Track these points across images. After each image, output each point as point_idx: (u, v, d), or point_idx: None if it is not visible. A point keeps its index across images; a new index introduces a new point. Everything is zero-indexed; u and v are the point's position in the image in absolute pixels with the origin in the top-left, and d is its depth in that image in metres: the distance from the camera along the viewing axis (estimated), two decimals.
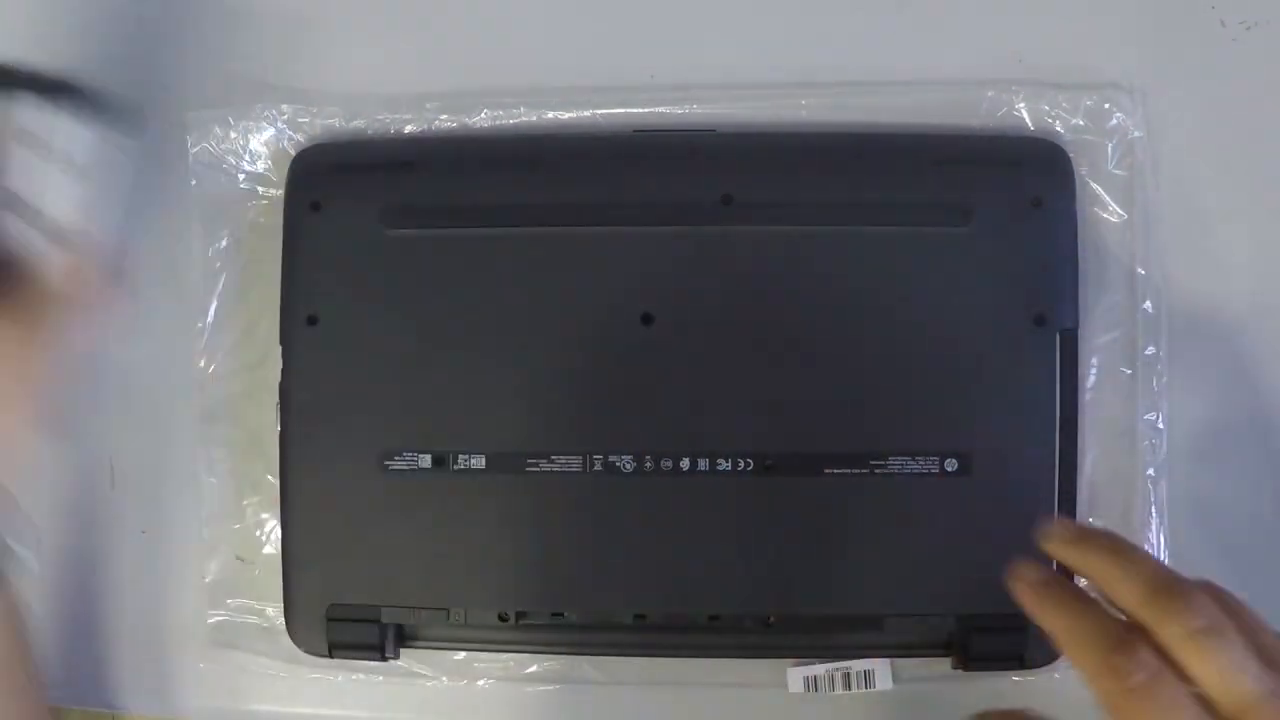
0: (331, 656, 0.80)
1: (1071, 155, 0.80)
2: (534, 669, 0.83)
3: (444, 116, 0.83)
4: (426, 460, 0.78)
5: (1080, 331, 0.79)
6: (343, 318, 0.78)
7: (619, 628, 0.79)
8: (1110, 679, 0.53)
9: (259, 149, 0.84)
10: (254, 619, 0.84)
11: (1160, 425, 0.81)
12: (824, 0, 0.84)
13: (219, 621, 0.84)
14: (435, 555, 0.78)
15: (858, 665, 0.81)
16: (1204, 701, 0.52)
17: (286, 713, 0.85)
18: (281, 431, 0.79)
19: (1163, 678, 0.53)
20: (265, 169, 0.83)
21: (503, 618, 0.78)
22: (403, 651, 0.82)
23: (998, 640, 0.77)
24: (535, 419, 0.78)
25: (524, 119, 0.83)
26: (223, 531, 0.84)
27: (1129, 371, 0.81)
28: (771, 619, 0.78)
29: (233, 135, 0.84)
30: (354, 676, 0.84)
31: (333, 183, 0.80)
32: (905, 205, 0.78)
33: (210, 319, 0.84)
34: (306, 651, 0.80)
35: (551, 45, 0.85)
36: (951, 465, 0.76)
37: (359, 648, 0.79)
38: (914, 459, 0.77)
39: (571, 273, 0.78)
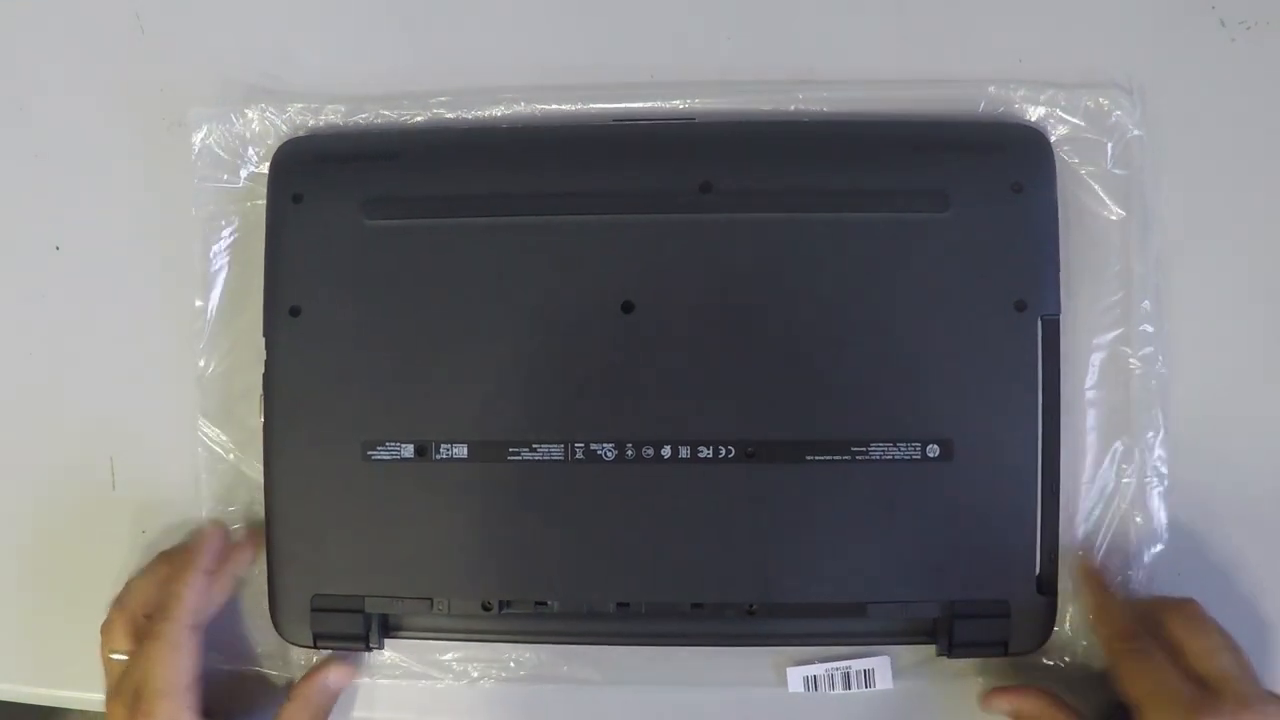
0: (316, 647, 0.80)
1: (1074, 154, 0.81)
2: (534, 669, 0.83)
3: (444, 115, 0.84)
4: (409, 450, 0.78)
5: (1080, 329, 0.80)
6: (325, 309, 0.79)
7: (602, 616, 0.78)
8: (1121, 641, 0.74)
9: (260, 148, 0.84)
10: (253, 619, 0.84)
11: (1160, 423, 0.80)
12: (824, 1, 0.84)
13: (218, 621, 0.84)
14: (418, 545, 0.78)
15: (858, 664, 0.81)
16: (1184, 670, 0.72)
17: None
18: (265, 423, 0.80)
19: (1152, 646, 0.73)
20: (266, 168, 0.84)
21: (486, 607, 0.78)
22: (402, 650, 0.83)
23: (981, 626, 0.77)
24: (517, 408, 0.78)
25: (519, 111, 0.84)
26: None
27: (1129, 370, 0.81)
28: (754, 607, 0.78)
29: (234, 134, 0.84)
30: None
31: (314, 175, 0.80)
32: (884, 191, 0.78)
33: (210, 318, 0.84)
34: (291, 642, 0.80)
35: (548, 45, 0.86)
36: (933, 451, 0.76)
37: (343, 638, 0.79)
38: (896, 445, 0.76)
39: (552, 261, 0.78)
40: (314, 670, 0.82)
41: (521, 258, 0.78)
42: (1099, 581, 0.79)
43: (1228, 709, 0.69)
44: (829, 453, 0.76)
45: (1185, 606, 0.75)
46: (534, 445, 0.77)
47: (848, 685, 0.81)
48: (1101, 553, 0.80)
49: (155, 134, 0.87)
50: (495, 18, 0.86)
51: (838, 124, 0.81)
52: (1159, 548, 0.80)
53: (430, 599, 0.78)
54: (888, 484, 0.76)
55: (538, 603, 0.78)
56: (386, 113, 0.84)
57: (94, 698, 0.86)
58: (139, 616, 0.80)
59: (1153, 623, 0.75)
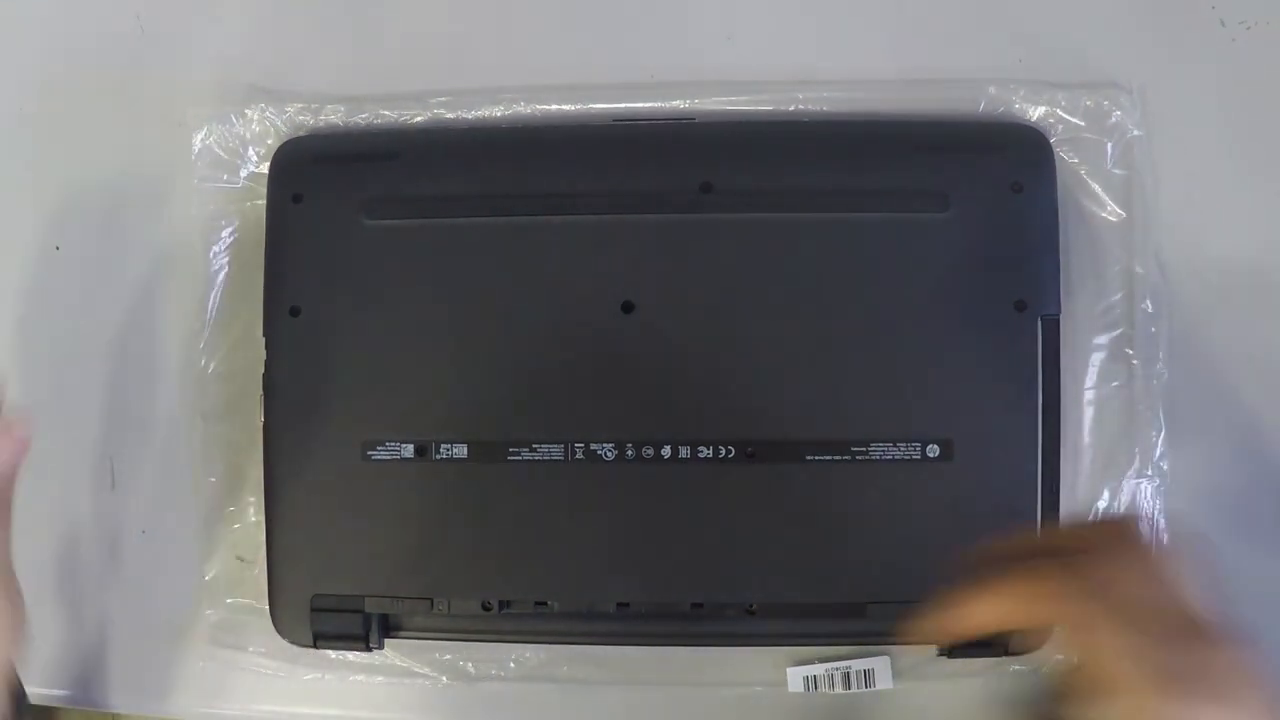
0: (316, 647, 0.80)
1: (1074, 154, 0.81)
2: (534, 669, 0.83)
3: (444, 115, 0.84)
4: (409, 450, 0.78)
5: (1080, 329, 0.80)
6: (325, 308, 0.79)
7: (602, 616, 0.78)
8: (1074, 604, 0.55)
9: (260, 148, 0.84)
10: (253, 619, 0.84)
11: (1160, 423, 0.81)
12: (824, 1, 0.84)
13: (218, 621, 0.85)
14: (418, 545, 0.78)
15: (858, 664, 0.81)
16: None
17: (285, 712, 0.86)
18: (265, 423, 0.79)
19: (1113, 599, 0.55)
20: (266, 168, 0.83)
21: (486, 607, 0.78)
22: (402, 650, 0.83)
23: None
24: (517, 408, 0.78)
25: (519, 112, 0.84)
26: (223, 531, 0.85)
27: (1129, 371, 0.81)
28: (754, 607, 0.78)
29: (234, 134, 0.85)
30: (352, 677, 0.84)
31: (314, 175, 0.80)
32: (885, 191, 0.78)
33: (210, 318, 0.84)
34: (291, 642, 0.80)
35: (549, 45, 0.86)
36: (933, 451, 0.76)
37: (343, 638, 0.79)
38: (896, 445, 0.76)
39: (552, 261, 0.78)
40: None
41: (522, 258, 0.78)
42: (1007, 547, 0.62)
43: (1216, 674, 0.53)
44: (829, 453, 0.76)
45: (1112, 529, 0.61)
46: (534, 445, 0.77)
47: (848, 685, 0.81)
48: None
49: (155, 134, 0.86)
50: (495, 18, 0.86)
51: (838, 124, 0.82)
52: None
53: (430, 599, 0.78)
54: (887, 484, 0.76)
55: (538, 603, 0.78)
56: (386, 113, 0.84)
57: (93, 698, 0.87)
58: None
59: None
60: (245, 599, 0.84)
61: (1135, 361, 0.81)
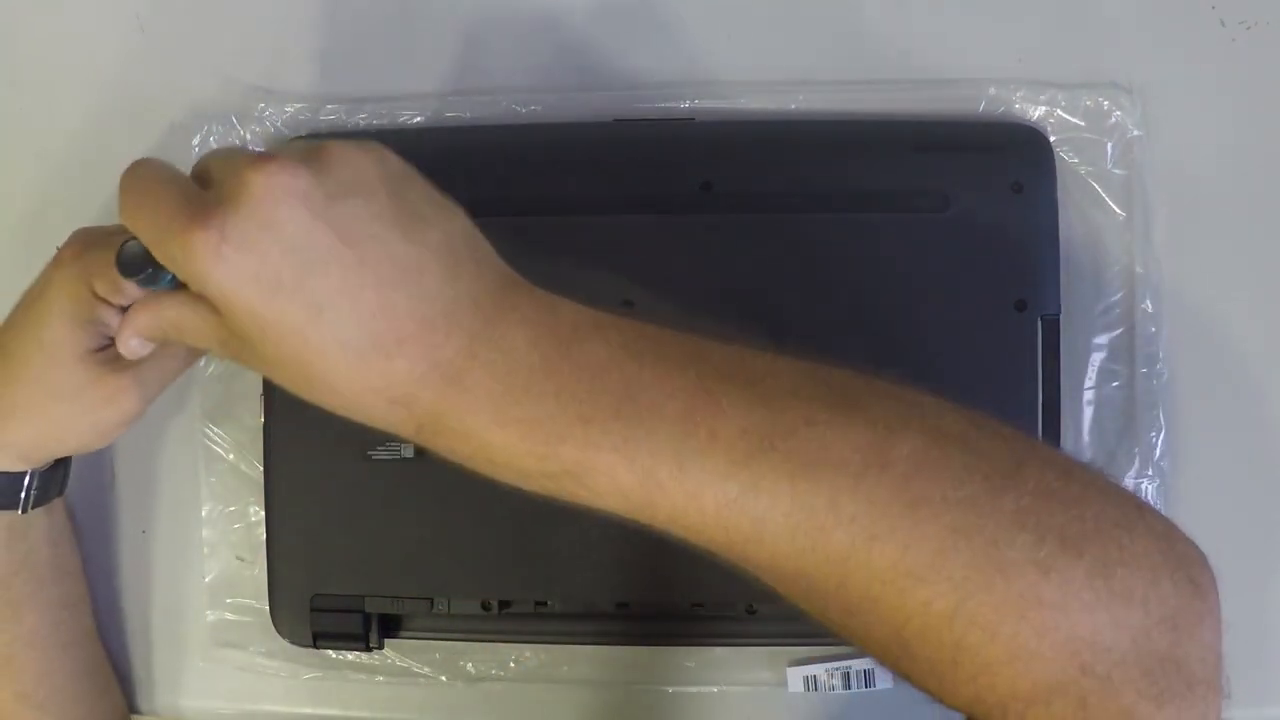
0: (316, 646, 0.80)
1: (1074, 154, 0.81)
2: (534, 669, 0.83)
3: (444, 115, 0.84)
4: (409, 450, 0.77)
5: (1080, 329, 0.80)
6: None
7: (602, 616, 0.79)
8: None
9: (260, 148, 0.84)
10: (253, 619, 0.84)
11: (1160, 423, 0.81)
12: (824, 1, 0.84)
13: (218, 621, 0.85)
14: (418, 545, 0.78)
15: (857, 664, 0.81)
16: None
17: (286, 712, 0.86)
18: (265, 423, 0.80)
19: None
20: None
21: (486, 607, 0.78)
22: (402, 650, 0.83)
23: None
24: None
25: (519, 112, 0.84)
26: (223, 531, 0.85)
27: (1129, 371, 0.81)
28: (754, 607, 0.77)
29: (236, 135, 0.84)
30: (353, 676, 0.84)
31: None
32: (885, 191, 0.78)
33: None
34: (291, 642, 0.80)
35: (548, 45, 0.86)
36: None
37: (343, 637, 0.79)
38: None
39: (552, 261, 0.77)
40: None
41: (522, 257, 0.77)
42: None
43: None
44: None
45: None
46: None
47: (848, 685, 0.81)
48: None
49: (155, 134, 0.86)
50: (494, 18, 0.86)
51: (838, 124, 0.81)
52: None
53: (430, 599, 0.78)
54: None
55: (538, 603, 0.78)
56: (386, 112, 0.84)
57: None
58: None
59: None
60: (245, 599, 0.84)
61: (1135, 361, 0.81)
